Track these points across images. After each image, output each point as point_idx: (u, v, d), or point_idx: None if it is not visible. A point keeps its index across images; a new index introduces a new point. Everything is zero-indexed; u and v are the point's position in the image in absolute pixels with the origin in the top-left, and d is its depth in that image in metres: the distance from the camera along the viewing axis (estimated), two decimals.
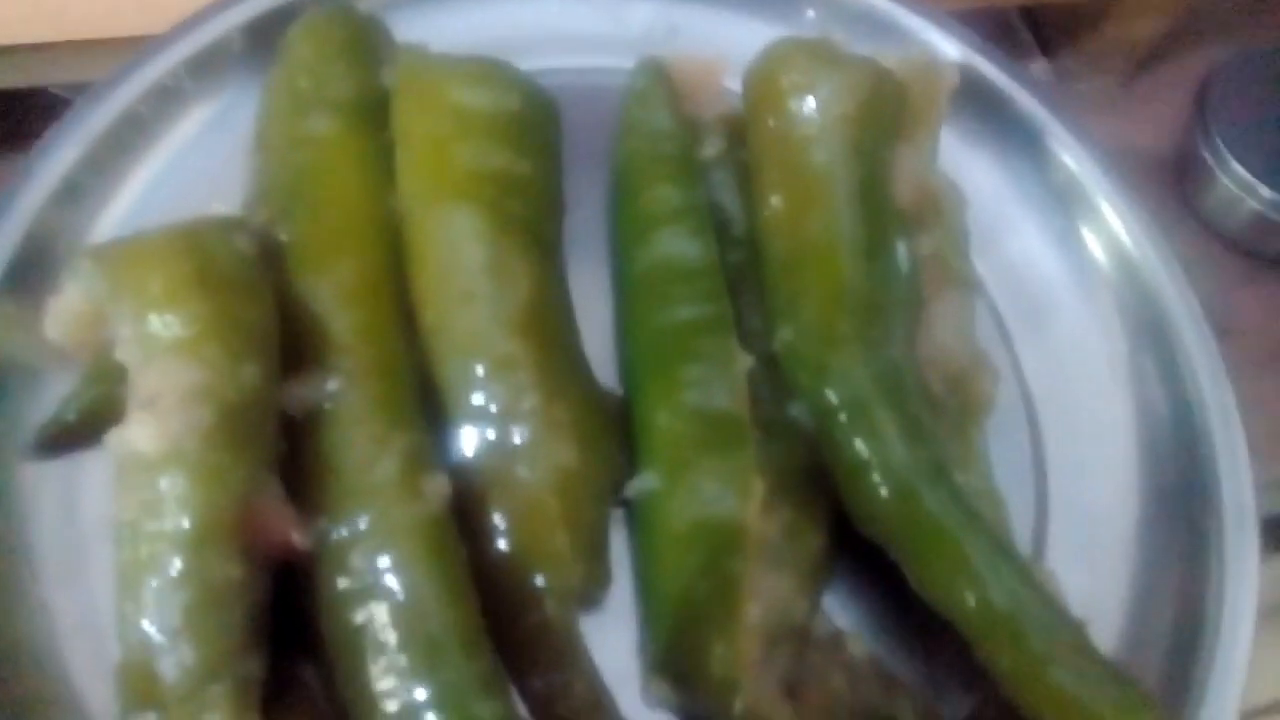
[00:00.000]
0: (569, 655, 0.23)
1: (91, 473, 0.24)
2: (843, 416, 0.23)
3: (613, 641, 0.23)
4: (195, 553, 0.20)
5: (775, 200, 0.26)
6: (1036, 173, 0.29)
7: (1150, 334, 0.27)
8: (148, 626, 0.20)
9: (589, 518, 0.23)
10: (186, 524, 0.20)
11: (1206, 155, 0.36)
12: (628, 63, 0.30)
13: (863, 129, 0.25)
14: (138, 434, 0.20)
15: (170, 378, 0.21)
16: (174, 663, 0.19)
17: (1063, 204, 0.29)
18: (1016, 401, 0.27)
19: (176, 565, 0.20)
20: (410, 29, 0.29)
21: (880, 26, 0.30)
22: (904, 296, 0.25)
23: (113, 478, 0.21)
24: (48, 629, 0.22)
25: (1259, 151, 0.35)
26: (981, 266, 0.27)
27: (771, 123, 0.26)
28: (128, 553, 0.20)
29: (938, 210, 0.26)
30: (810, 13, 0.32)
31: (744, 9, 0.32)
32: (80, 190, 0.26)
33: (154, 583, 0.20)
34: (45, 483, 0.24)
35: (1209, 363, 0.26)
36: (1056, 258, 0.28)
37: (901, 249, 0.25)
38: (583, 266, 0.27)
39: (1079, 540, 0.25)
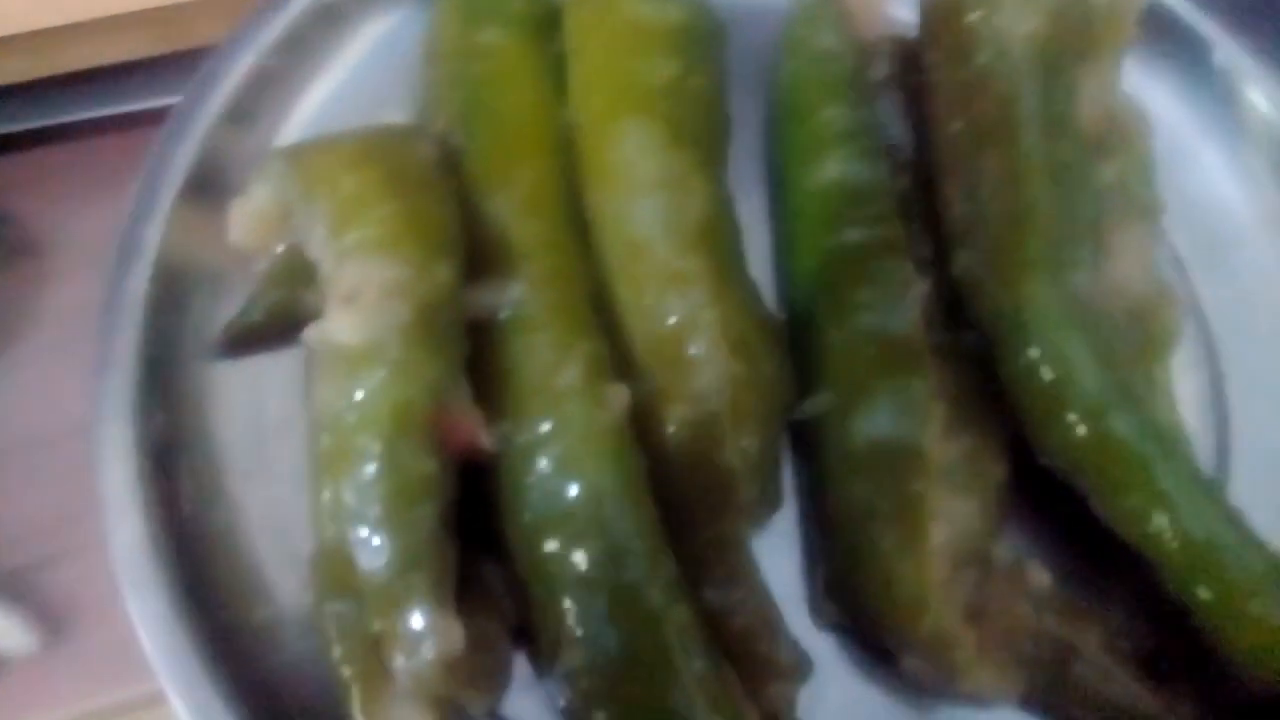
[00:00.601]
0: (741, 570, 0.22)
1: (274, 372, 0.24)
2: (1031, 342, 0.22)
3: (779, 563, 0.23)
4: (394, 445, 0.20)
5: (955, 124, 0.25)
6: (1221, 103, 0.28)
7: None
8: (345, 516, 0.20)
9: (763, 435, 0.23)
10: (386, 416, 0.20)
11: None
12: None
13: (1047, 49, 0.25)
14: (340, 327, 0.21)
15: (370, 274, 0.21)
16: (372, 552, 0.20)
17: (1249, 138, 0.27)
18: (1194, 337, 0.26)
19: (375, 456, 0.20)
20: None
21: None
22: (1089, 223, 0.24)
23: (310, 371, 0.22)
24: (238, 522, 0.23)
25: None
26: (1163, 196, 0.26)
27: (951, 43, 0.25)
28: (325, 442, 0.21)
29: (1123, 136, 0.25)
30: None
31: None
32: (253, 106, 0.26)
33: (352, 473, 0.20)
34: (231, 382, 0.24)
35: None
36: (1239, 192, 0.27)
37: (1087, 174, 0.24)
38: (740, 188, 0.27)
39: (1263, 481, 0.24)
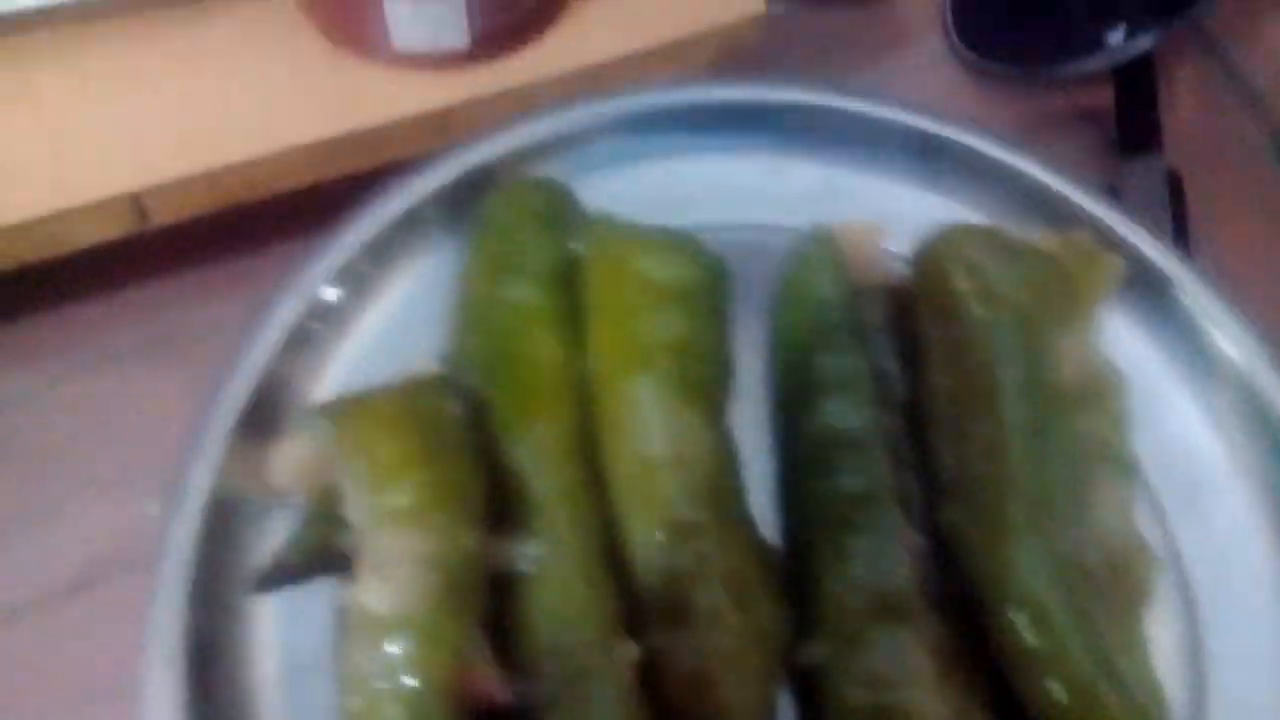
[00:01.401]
0: None
1: (308, 610, 0.26)
2: (1013, 605, 0.24)
3: None
4: (419, 710, 0.22)
5: (942, 379, 0.27)
6: (1190, 347, 0.30)
7: None
8: None
9: (762, 684, 0.25)
10: (413, 683, 0.22)
11: None
12: (786, 218, 0.32)
13: (1031, 316, 0.27)
14: (371, 596, 0.22)
15: (401, 544, 0.23)
16: None
17: (1218, 382, 0.29)
18: (1174, 585, 0.27)
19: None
20: (588, 189, 0.31)
21: (1032, 198, 0.32)
22: (1069, 480, 0.26)
23: (341, 624, 0.23)
24: None
25: None
26: (1138, 446, 0.28)
27: (940, 305, 0.27)
28: (355, 704, 0.22)
29: (1099, 391, 0.27)
30: (954, 178, 0.33)
31: (897, 173, 0.33)
32: (306, 341, 0.28)
33: None
34: (265, 617, 0.26)
35: None
36: (1213, 438, 0.29)
37: (1066, 434, 0.26)
38: (741, 419, 0.29)
39: None
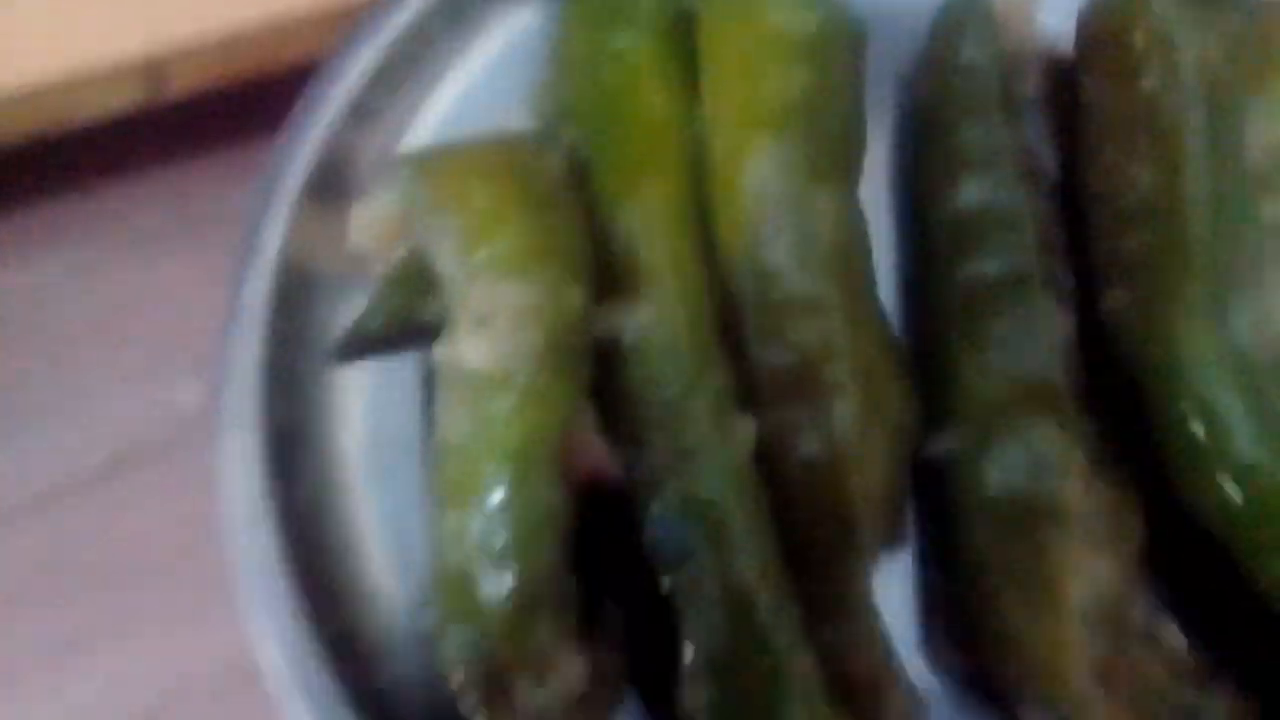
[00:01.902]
0: (861, 611, 0.22)
1: (392, 380, 0.24)
2: (1184, 394, 0.21)
3: (895, 601, 0.23)
4: (522, 475, 0.20)
5: (1110, 150, 0.24)
6: None
7: None
8: (470, 544, 0.20)
9: (889, 473, 0.22)
10: (516, 446, 0.20)
11: None
12: None
13: (1219, 76, 0.23)
14: (472, 352, 0.20)
15: (502, 297, 0.20)
16: (498, 581, 0.20)
17: None
18: None
19: (503, 486, 0.20)
20: None
21: None
22: (1252, 265, 0.23)
23: (434, 389, 0.21)
24: (354, 533, 0.23)
25: None
26: None
27: (1111, 64, 0.24)
28: (451, 469, 0.20)
29: None
30: None
31: None
32: (375, 106, 0.25)
33: (479, 502, 0.20)
34: (348, 388, 0.24)
35: None
36: None
37: (1252, 212, 0.23)
38: (867, 200, 0.26)
39: None
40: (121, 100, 0.29)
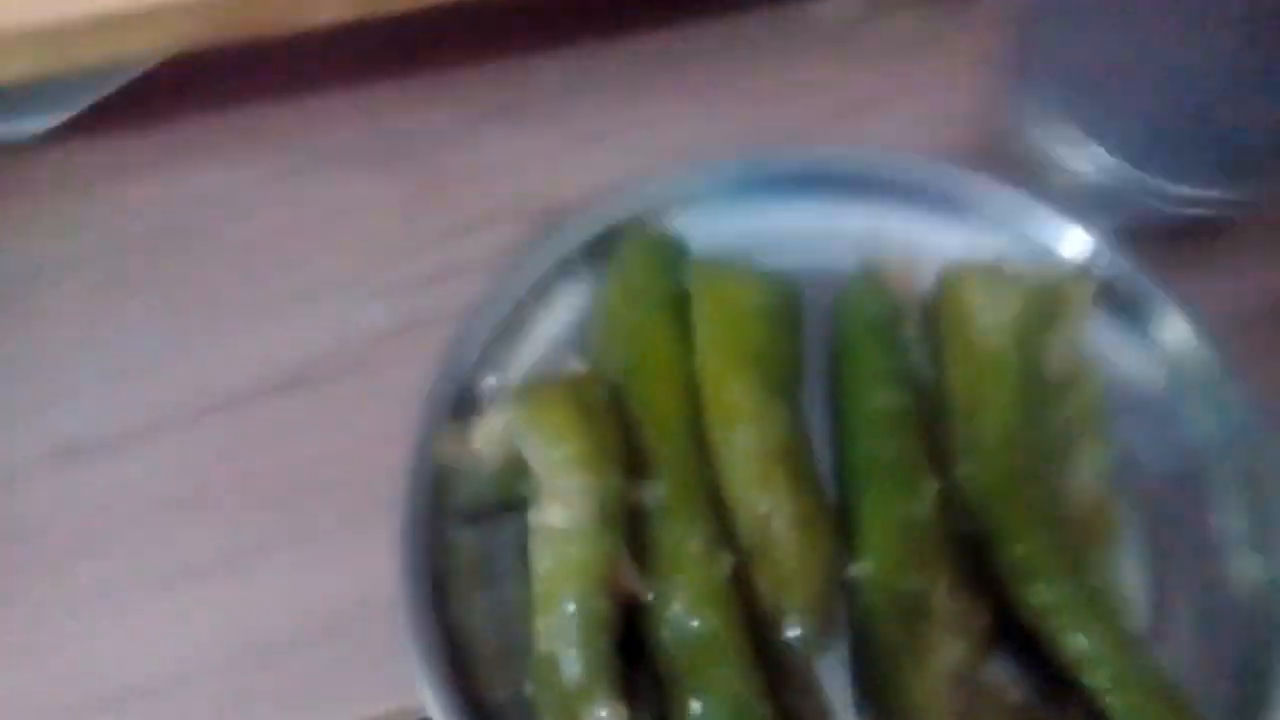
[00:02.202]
0: (809, 681, 0.33)
1: (500, 536, 0.37)
2: (1011, 537, 0.33)
3: (834, 679, 0.34)
4: (584, 593, 0.32)
5: (957, 373, 0.36)
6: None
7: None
8: (553, 637, 0.32)
9: (824, 585, 0.34)
10: (579, 574, 0.32)
11: None
12: (843, 257, 0.42)
13: (1023, 325, 0.36)
14: (552, 515, 0.33)
15: (571, 481, 0.33)
16: (570, 660, 0.32)
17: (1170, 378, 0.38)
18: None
19: (573, 600, 0.32)
20: (696, 235, 0.42)
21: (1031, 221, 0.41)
22: (1054, 444, 0.35)
23: (531, 543, 0.34)
24: (481, 629, 0.35)
25: None
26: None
27: (956, 319, 0.37)
28: (540, 589, 0.33)
29: (1079, 380, 0.36)
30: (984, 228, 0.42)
31: (939, 217, 0.43)
32: (490, 355, 0.39)
33: (558, 609, 0.32)
34: (473, 542, 0.37)
35: None
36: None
37: (1052, 408, 0.35)
38: (808, 405, 0.38)
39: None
40: (340, 10, 0.29)
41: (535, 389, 0.37)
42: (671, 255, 0.40)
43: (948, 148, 0.40)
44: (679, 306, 0.39)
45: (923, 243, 0.42)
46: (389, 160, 0.32)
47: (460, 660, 0.34)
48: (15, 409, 0.30)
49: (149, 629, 0.29)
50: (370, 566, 0.30)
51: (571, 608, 0.32)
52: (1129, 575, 0.35)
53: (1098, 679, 0.31)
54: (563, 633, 0.32)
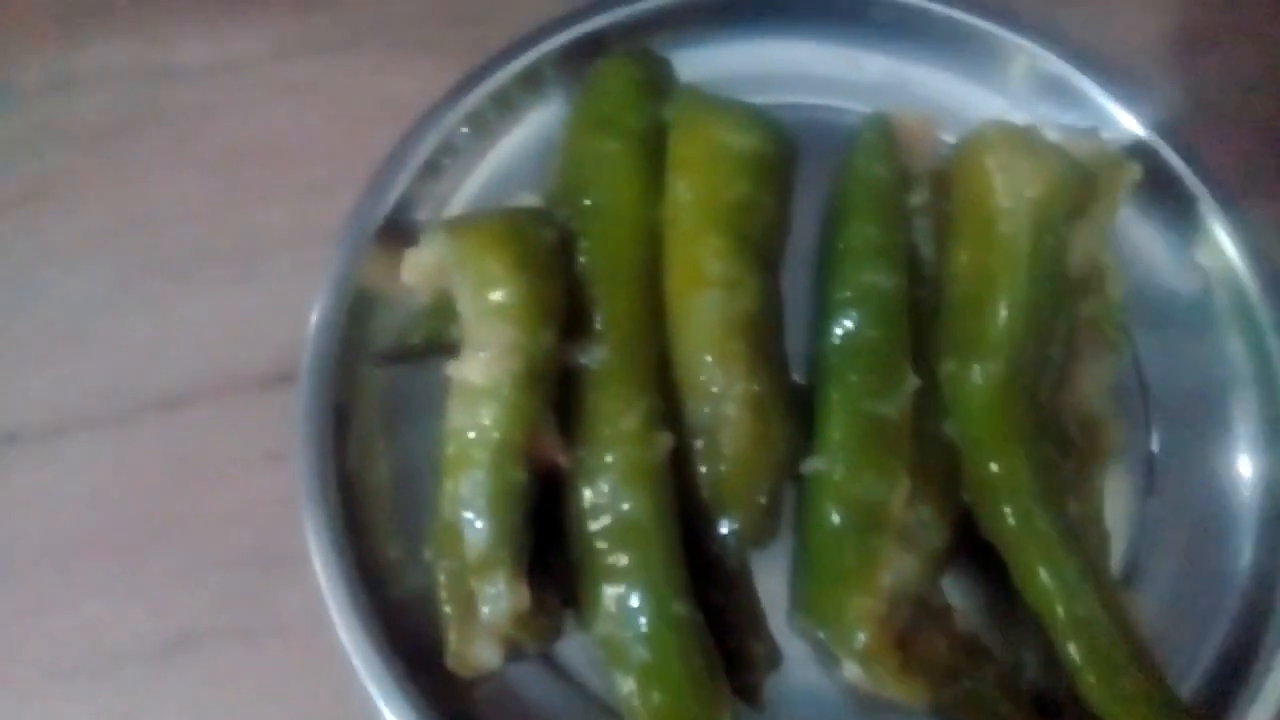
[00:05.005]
0: (740, 581, 0.30)
1: (417, 381, 0.33)
2: (987, 450, 0.29)
3: (771, 578, 0.31)
4: (498, 458, 0.28)
5: (964, 256, 0.31)
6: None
7: None
8: (460, 503, 0.29)
9: (771, 480, 0.30)
10: (495, 437, 0.28)
11: None
12: (858, 105, 0.36)
13: (1046, 209, 0.31)
14: (471, 370, 0.29)
15: (496, 334, 0.29)
16: (475, 531, 0.28)
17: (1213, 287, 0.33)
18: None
19: (484, 465, 0.28)
20: (685, 61, 0.36)
21: (1077, 99, 0.35)
22: (1058, 352, 0.30)
23: (450, 394, 0.30)
24: (382, 482, 0.32)
25: None
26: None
27: (971, 191, 0.32)
28: (451, 449, 0.29)
29: (1101, 281, 0.31)
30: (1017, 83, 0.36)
31: (963, 72, 0.37)
32: (438, 171, 0.35)
33: (468, 474, 0.29)
34: (389, 383, 0.33)
35: None
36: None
37: (1064, 311, 0.30)
38: (796, 276, 0.34)
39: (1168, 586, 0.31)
40: None
41: (472, 222, 0.32)
42: (654, 80, 0.34)
43: None
44: (654, 142, 0.33)
45: (947, 103, 0.36)
46: (407, 41, 0.32)
47: (354, 510, 0.31)
48: None
49: None
50: None
51: (481, 475, 0.28)
52: (1118, 502, 0.31)
53: (1059, 622, 0.27)
54: (470, 501, 0.28)
